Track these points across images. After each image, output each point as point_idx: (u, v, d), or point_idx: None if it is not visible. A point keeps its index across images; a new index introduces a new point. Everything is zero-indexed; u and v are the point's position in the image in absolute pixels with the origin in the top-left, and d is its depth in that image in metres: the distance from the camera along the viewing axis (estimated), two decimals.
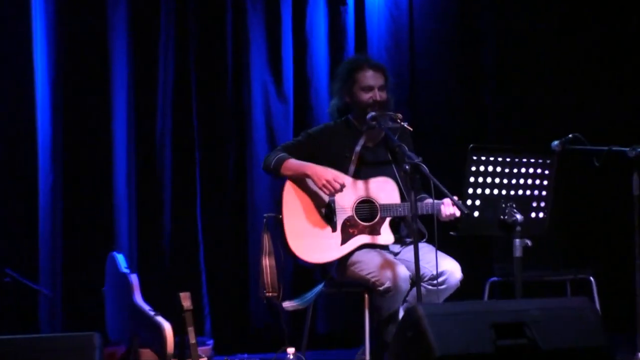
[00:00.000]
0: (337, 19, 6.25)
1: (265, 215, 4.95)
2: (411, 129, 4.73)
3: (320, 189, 4.73)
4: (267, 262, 4.86)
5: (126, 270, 5.00)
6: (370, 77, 4.85)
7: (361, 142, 4.75)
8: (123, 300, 5.02)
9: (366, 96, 4.75)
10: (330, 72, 6.10)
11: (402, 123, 4.68)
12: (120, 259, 5.08)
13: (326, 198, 4.78)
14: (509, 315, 3.68)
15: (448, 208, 4.61)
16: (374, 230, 4.77)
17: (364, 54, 5.71)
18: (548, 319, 3.69)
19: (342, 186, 4.64)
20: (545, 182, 4.48)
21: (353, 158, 4.76)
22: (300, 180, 4.76)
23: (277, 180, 5.06)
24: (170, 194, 5.90)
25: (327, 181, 4.62)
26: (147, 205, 5.90)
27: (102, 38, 5.76)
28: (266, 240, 4.85)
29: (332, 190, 4.62)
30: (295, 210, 4.88)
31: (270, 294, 4.83)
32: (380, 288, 4.46)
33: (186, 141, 5.95)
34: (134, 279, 4.89)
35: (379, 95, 4.77)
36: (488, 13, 6.78)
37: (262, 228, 4.90)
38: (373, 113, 4.66)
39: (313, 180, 4.74)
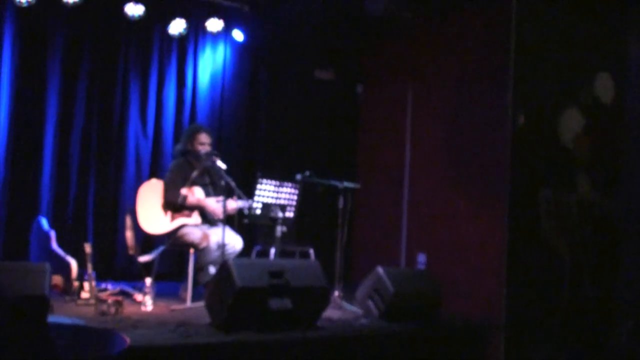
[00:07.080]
0: (181, 93, 7.63)
1: (128, 207, 6.19)
2: (225, 166, 5.84)
3: (211, 213, 5.92)
4: (129, 234, 6.05)
5: (47, 229, 6.22)
6: (204, 137, 6.15)
7: (195, 172, 6.02)
8: (45, 247, 6.12)
9: (201, 148, 6.05)
10: (175, 123, 7.50)
11: (217, 160, 5.89)
12: (43, 221, 6.33)
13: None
14: (276, 266, 4.83)
15: (231, 203, 5.80)
16: (189, 216, 5.96)
17: (201, 124, 6.53)
18: (296, 269, 4.90)
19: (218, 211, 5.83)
20: (294, 197, 6.03)
21: (191, 180, 5.99)
22: (148, 191, 5.94)
23: (137, 183, 6.43)
24: (75, 188, 7.03)
25: (213, 209, 5.91)
26: (59, 194, 6.96)
27: (42, 84, 6.84)
28: (128, 221, 6.10)
29: (215, 214, 5.89)
30: (143, 205, 5.96)
31: (132, 252, 6.10)
32: (200, 246, 5.77)
33: (87, 154, 7.13)
34: (52, 234, 6.14)
35: (208, 147, 6.06)
36: (263, 96, 8.08)
37: (126, 214, 6.17)
38: (206, 152, 5.96)
39: (205, 208, 5.94)
